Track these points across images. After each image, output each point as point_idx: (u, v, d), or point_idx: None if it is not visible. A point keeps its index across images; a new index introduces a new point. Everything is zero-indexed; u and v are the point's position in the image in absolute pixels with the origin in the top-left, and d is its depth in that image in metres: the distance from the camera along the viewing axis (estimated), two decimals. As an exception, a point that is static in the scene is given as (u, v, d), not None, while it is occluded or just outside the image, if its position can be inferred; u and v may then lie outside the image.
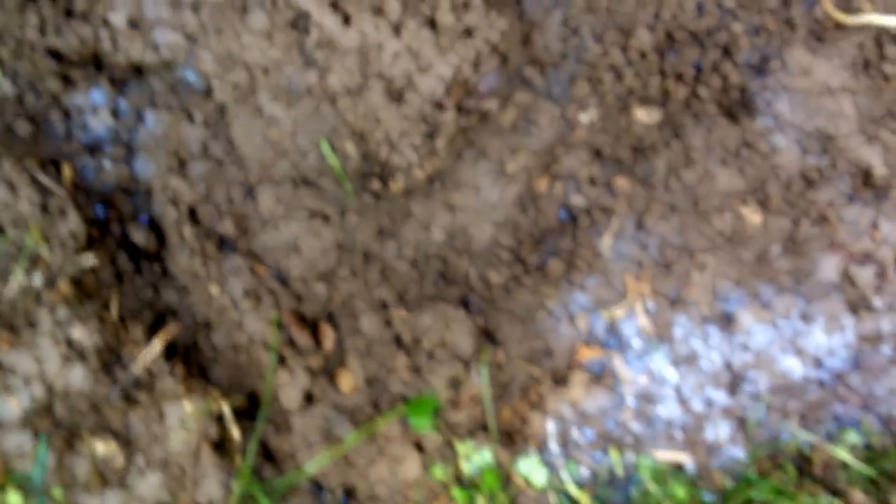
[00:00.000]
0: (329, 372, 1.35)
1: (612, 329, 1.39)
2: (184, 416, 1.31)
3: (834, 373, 1.39)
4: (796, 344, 1.39)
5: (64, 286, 1.28)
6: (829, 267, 1.40)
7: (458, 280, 1.38)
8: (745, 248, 1.40)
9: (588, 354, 1.38)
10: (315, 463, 1.32)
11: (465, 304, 1.37)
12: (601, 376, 1.38)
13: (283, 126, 1.31)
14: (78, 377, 1.29)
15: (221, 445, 1.34)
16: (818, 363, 1.39)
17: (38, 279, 1.29)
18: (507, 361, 1.37)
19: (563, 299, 1.38)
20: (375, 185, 1.35)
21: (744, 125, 1.40)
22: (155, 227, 1.36)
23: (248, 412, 1.35)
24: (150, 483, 1.31)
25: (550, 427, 1.36)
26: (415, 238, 1.37)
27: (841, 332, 1.40)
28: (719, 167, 1.40)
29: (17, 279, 1.29)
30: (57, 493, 1.28)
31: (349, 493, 1.35)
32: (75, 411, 1.29)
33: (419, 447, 1.34)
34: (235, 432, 1.33)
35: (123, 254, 1.34)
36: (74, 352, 1.29)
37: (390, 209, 1.36)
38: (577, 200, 1.39)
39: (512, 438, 1.36)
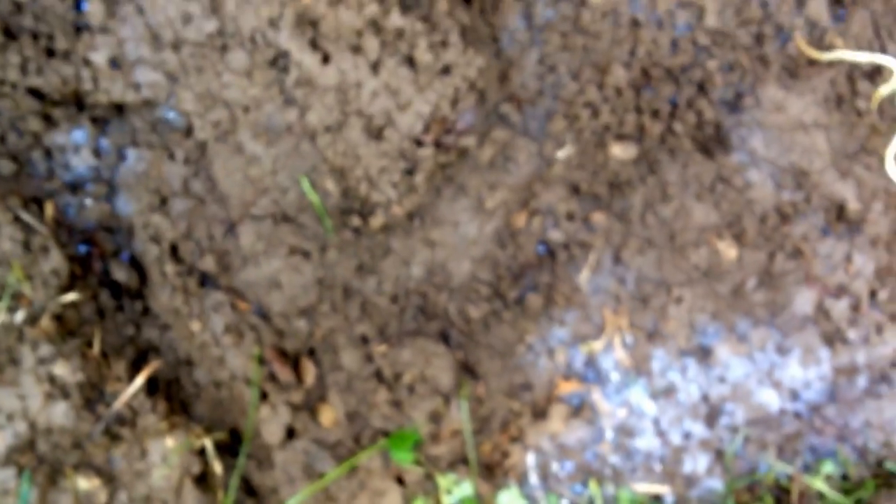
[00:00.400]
0: (310, 407, 1.36)
1: (591, 362, 1.40)
2: (166, 452, 1.32)
3: (810, 405, 1.41)
4: (773, 376, 1.41)
5: (46, 323, 1.29)
6: (804, 300, 1.42)
7: (438, 315, 1.39)
8: (721, 282, 1.42)
9: (567, 388, 1.40)
10: (296, 498, 1.33)
11: (444, 338, 1.39)
12: (580, 409, 1.39)
13: (263, 163, 1.32)
14: (60, 414, 1.30)
15: (204, 481, 1.34)
16: (794, 395, 1.41)
17: (20, 316, 1.30)
18: (487, 395, 1.38)
19: (542, 333, 1.40)
20: (355, 221, 1.36)
21: (719, 160, 1.42)
22: (136, 265, 1.37)
23: (230, 447, 1.36)
24: (131, 519, 1.31)
25: (530, 460, 1.37)
26: (394, 273, 1.38)
27: (817, 364, 1.41)
28: (695, 202, 1.42)
29: (0, 317, 1.30)
30: (38, 530, 1.28)
31: (330, 527, 1.35)
32: (58, 448, 1.30)
33: (400, 481, 1.35)
34: (218, 468, 1.33)
35: (105, 291, 1.36)
36: (57, 388, 1.30)
37: (370, 245, 1.37)
38: (555, 235, 1.41)
39: (492, 471, 1.37)
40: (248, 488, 1.36)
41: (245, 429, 1.35)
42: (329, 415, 1.36)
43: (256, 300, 1.35)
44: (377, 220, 1.35)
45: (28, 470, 1.30)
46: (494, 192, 1.38)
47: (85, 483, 1.30)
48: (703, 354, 1.41)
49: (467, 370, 1.39)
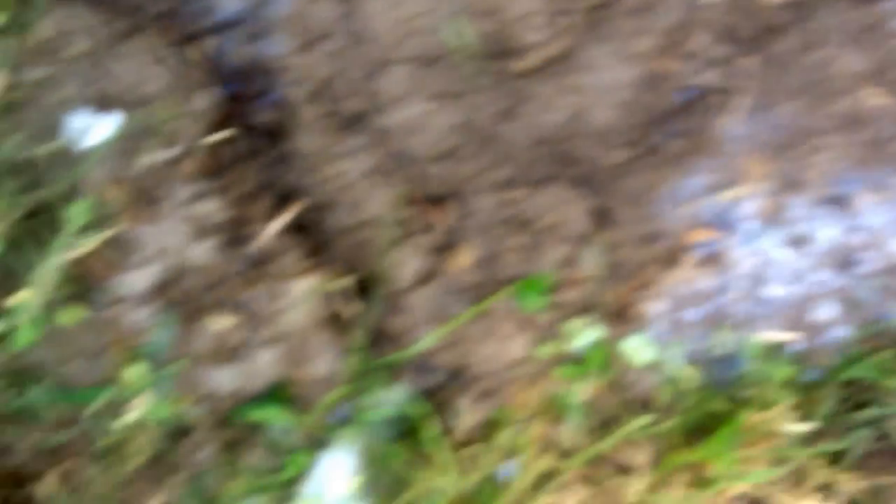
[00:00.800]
0: (445, 251, 1.35)
1: (726, 211, 1.37)
2: (303, 293, 1.33)
3: (946, 257, 1.38)
4: (911, 227, 1.38)
5: (193, 162, 1.27)
6: (950, 149, 1.36)
7: (576, 161, 1.35)
8: (864, 131, 1.36)
9: (700, 236, 1.37)
10: (427, 340, 1.35)
11: (581, 184, 1.35)
12: (712, 258, 1.37)
13: (415, 4, 1.24)
14: (204, 252, 1.30)
15: (338, 322, 1.36)
16: (931, 247, 1.38)
17: (168, 155, 1.28)
18: (619, 242, 1.37)
19: (679, 181, 1.36)
20: (501, 65, 1.29)
21: (871, 7, 1.32)
22: (282, 106, 1.32)
23: (363, 291, 1.37)
24: (267, 357, 1.34)
25: (659, 307, 1.37)
26: (536, 118, 1.33)
27: (957, 216, 1.38)
28: (845, 49, 1.33)
29: (150, 154, 1.27)
30: (178, 366, 1.32)
31: (458, 369, 1.38)
32: (199, 286, 1.31)
33: (528, 326, 1.36)
34: (351, 310, 1.34)
35: (251, 132, 1.32)
36: (202, 227, 1.29)
37: (513, 89, 1.31)
38: (699, 82, 1.34)
39: (620, 318, 1.38)
40: (378, 331, 1.37)
41: (379, 272, 1.35)
42: (463, 259, 1.35)
43: (399, 143, 1.32)
44: (523, 64, 1.28)
45: (169, 307, 1.32)
46: (641, 38, 1.30)
47: (223, 321, 1.32)
48: (841, 203, 1.37)
49: (601, 217, 1.36)
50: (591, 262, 1.35)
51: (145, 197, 1.29)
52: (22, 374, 1.29)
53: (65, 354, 1.30)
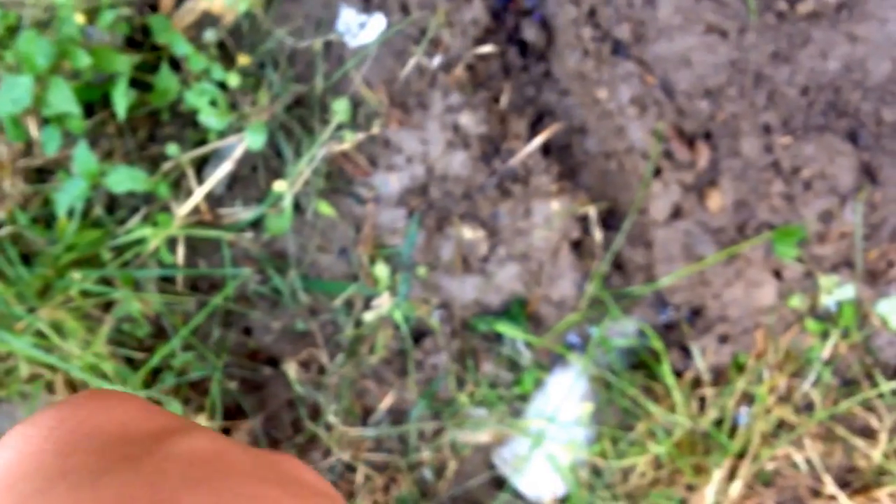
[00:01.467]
0: (700, 189, 1.32)
1: None
2: (550, 215, 1.32)
3: None
4: None
5: (459, 72, 1.27)
6: None
7: (849, 113, 1.30)
8: None
9: (969, 206, 1.31)
10: (671, 277, 1.32)
11: (852, 138, 1.31)
12: (980, 230, 1.31)
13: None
14: (458, 162, 1.30)
15: (581, 247, 1.35)
16: None
17: (436, 62, 1.28)
18: (883, 202, 1.32)
19: (956, 145, 1.30)
20: (781, 5, 1.26)
21: None
22: (549, 25, 1.31)
23: (609, 220, 1.35)
24: (508, 273, 1.33)
25: (918, 274, 1.32)
26: (810, 64, 1.29)
27: None
28: None
29: (416, 60, 1.28)
30: (421, 270, 1.32)
31: (696, 311, 1.35)
32: (449, 195, 1.31)
33: (778, 275, 1.33)
34: (597, 236, 1.33)
35: (515, 49, 1.31)
36: (459, 137, 1.29)
37: (791, 32, 1.28)
38: None
39: (876, 279, 1.33)
40: (622, 261, 1.35)
41: (630, 202, 1.33)
42: (717, 200, 1.32)
43: (664, 75, 1.29)
44: (804, 6, 1.25)
45: (418, 213, 1.32)
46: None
47: (469, 233, 1.32)
48: None
49: (868, 174, 1.31)
50: (853, 218, 1.30)
51: (408, 101, 1.30)
52: (272, 261, 1.31)
53: (315, 247, 1.32)
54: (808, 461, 1.32)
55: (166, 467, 0.28)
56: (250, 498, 0.28)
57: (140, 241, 1.25)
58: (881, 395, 1.30)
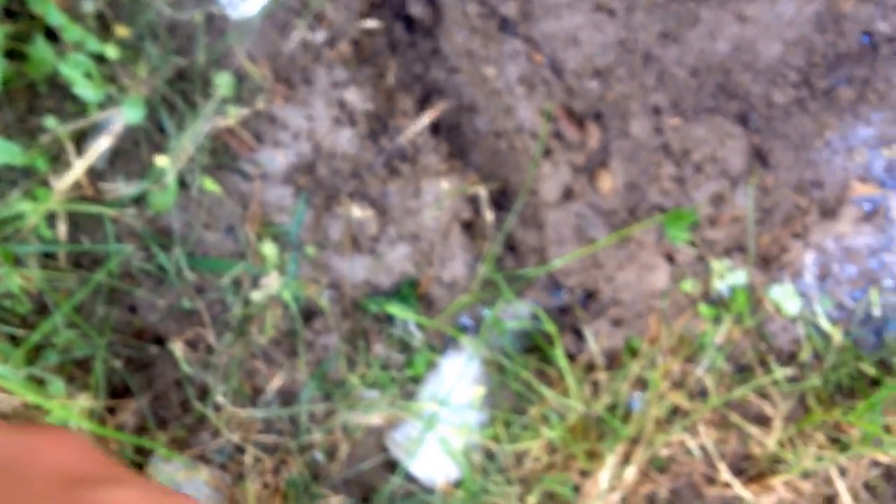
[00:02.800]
0: (590, 171, 1.31)
1: (893, 168, 1.30)
2: (440, 194, 1.31)
3: None
4: None
5: (343, 47, 1.26)
6: None
7: (739, 95, 1.29)
8: None
9: (862, 190, 1.30)
10: (563, 259, 1.31)
11: (742, 120, 1.30)
12: (872, 215, 1.30)
13: None
14: (345, 140, 1.28)
15: (472, 228, 1.33)
16: None
17: (319, 37, 1.27)
18: (775, 186, 1.30)
19: (846, 130, 1.29)
20: (675, -22, 1.25)
21: None
22: (434, 1, 1.30)
23: (501, 200, 1.34)
24: (398, 254, 1.32)
25: (810, 258, 1.31)
26: (699, 45, 1.28)
27: None
28: None
29: (299, 34, 1.27)
30: (310, 250, 1.31)
31: (590, 294, 1.33)
32: (337, 173, 1.30)
33: (671, 259, 1.31)
34: (488, 217, 1.32)
35: (401, 24, 1.30)
36: (345, 114, 1.28)
37: (679, 11, 1.27)
38: (882, 27, 1.27)
39: (768, 264, 1.31)
40: (513, 243, 1.34)
41: (521, 183, 1.31)
42: (608, 181, 1.30)
43: (552, 54, 1.28)
44: (701, -22, 1.24)
45: (306, 190, 1.31)
46: (833, -37, 1.24)
47: (358, 211, 1.31)
48: None
49: (759, 157, 1.30)
50: (745, 202, 1.29)
51: (293, 76, 1.29)
52: (157, 238, 1.29)
53: (201, 224, 1.30)
54: (703, 448, 1.31)
55: None
56: None
57: (19, 217, 1.23)
58: (775, 383, 1.29)
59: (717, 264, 1.30)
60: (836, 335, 1.29)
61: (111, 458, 0.33)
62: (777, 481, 1.25)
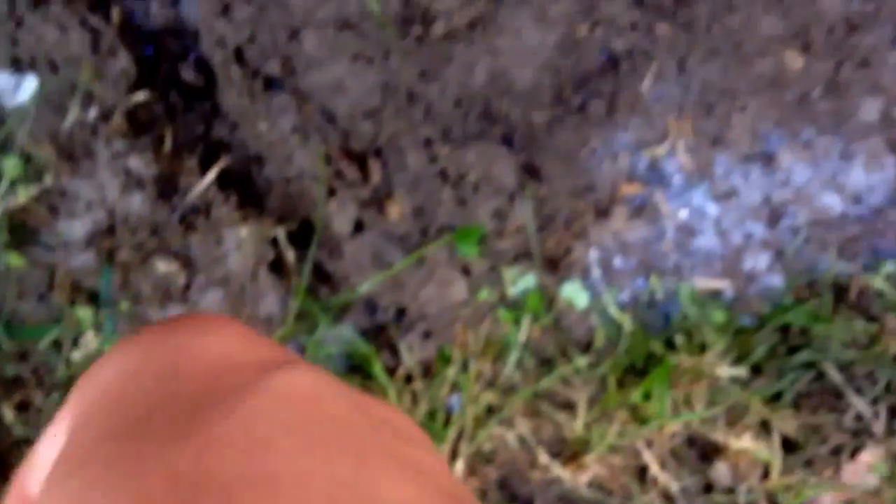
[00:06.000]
0: (378, 202, 1.41)
1: (654, 167, 1.43)
2: (241, 241, 1.39)
3: (873, 208, 1.42)
4: (836, 181, 1.42)
5: (118, 120, 1.37)
6: (869, 108, 1.42)
7: (501, 119, 1.43)
8: (786, 91, 1.43)
9: (630, 190, 1.43)
10: (368, 284, 1.39)
11: (508, 141, 1.43)
12: (642, 210, 1.42)
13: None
14: (137, 203, 1.37)
15: (278, 268, 1.41)
16: (857, 199, 1.42)
17: (92, 114, 1.37)
18: (550, 195, 1.42)
19: (606, 138, 1.43)
20: (417, 29, 1.40)
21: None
22: (203, 67, 1.43)
23: (301, 238, 1.42)
24: (211, 299, 1.39)
25: (593, 255, 1.41)
26: (457, 79, 1.42)
27: (881, 170, 1.42)
28: (762, 12, 1.43)
29: (74, 114, 1.37)
30: (124, 305, 1.37)
31: (401, 311, 1.41)
32: (136, 234, 1.38)
33: (466, 272, 1.40)
34: (290, 255, 1.40)
35: (175, 91, 1.42)
36: (132, 180, 1.37)
37: (432, 52, 1.41)
38: (618, 45, 1.43)
39: (556, 265, 1.41)
40: (320, 275, 1.42)
41: (315, 221, 1.41)
42: (396, 210, 1.41)
43: (321, 103, 1.41)
44: (437, 28, 1.39)
45: (108, 252, 1.38)
46: (557, 2, 1.41)
47: (164, 266, 1.38)
48: (767, 160, 1.43)
49: (531, 172, 1.43)
50: (523, 214, 1.40)
51: (76, 152, 1.38)
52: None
53: (13, 296, 1.35)
54: (521, 438, 1.36)
55: (263, 406, 0.26)
56: (340, 451, 0.26)
57: None
58: (577, 371, 1.36)
59: (507, 272, 1.39)
60: (626, 321, 1.37)
61: (272, 340, 0.31)
62: (590, 458, 1.31)
